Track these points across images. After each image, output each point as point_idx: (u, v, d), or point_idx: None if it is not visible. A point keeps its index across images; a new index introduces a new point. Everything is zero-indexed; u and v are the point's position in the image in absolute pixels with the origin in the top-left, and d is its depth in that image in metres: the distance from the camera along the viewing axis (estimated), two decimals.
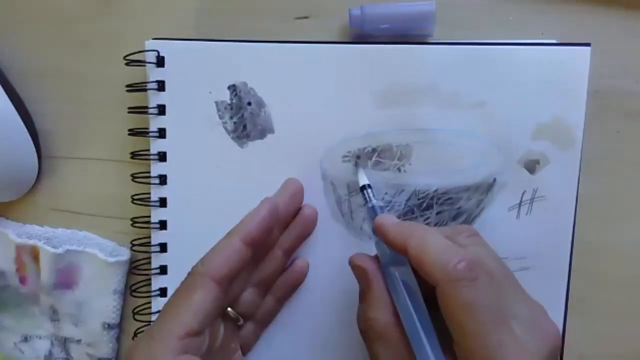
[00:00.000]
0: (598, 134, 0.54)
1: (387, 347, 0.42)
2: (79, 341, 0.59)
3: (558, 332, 0.42)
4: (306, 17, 0.56)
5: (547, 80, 0.52)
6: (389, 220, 0.46)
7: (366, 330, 0.44)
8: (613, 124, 0.55)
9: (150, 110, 0.54)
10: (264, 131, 0.54)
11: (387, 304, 0.44)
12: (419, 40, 0.54)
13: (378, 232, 0.46)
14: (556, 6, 0.54)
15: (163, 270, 0.56)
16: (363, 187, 0.51)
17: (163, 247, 0.56)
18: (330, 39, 0.55)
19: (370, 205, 0.49)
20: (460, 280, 0.39)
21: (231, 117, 0.54)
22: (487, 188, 0.53)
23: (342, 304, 0.55)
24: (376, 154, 0.53)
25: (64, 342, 0.60)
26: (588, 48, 0.51)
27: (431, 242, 0.42)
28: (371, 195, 0.50)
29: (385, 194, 0.53)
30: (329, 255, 0.55)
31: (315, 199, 0.54)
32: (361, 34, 0.54)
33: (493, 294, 0.40)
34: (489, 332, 0.38)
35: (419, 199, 0.53)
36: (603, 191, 0.55)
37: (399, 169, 0.53)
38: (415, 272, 0.43)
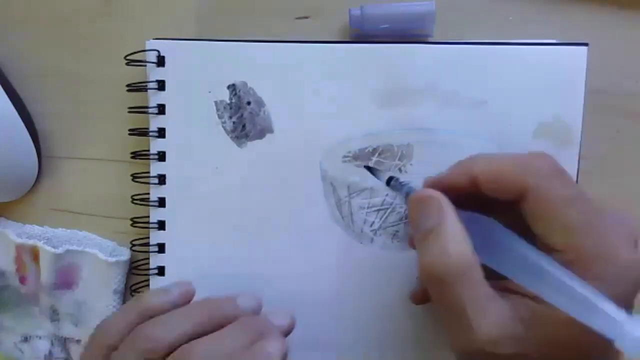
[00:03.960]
0: (598, 134, 0.54)
1: (470, 286, 0.38)
2: (78, 341, 0.60)
3: (635, 219, 0.40)
4: (306, 17, 0.56)
5: (546, 80, 0.52)
6: (435, 175, 0.44)
7: (443, 271, 0.38)
8: (613, 124, 0.55)
9: (150, 110, 0.54)
10: (263, 131, 0.54)
11: (465, 238, 0.39)
12: (419, 40, 0.54)
13: (430, 187, 0.42)
14: (556, 6, 0.54)
15: (161, 271, 0.56)
16: (391, 178, 0.50)
17: (161, 248, 0.56)
18: (330, 39, 0.55)
19: (410, 185, 0.47)
20: (551, 174, 0.38)
21: (230, 117, 0.54)
22: None
23: (340, 307, 0.55)
24: (377, 154, 0.53)
25: (64, 342, 0.60)
26: (585, 48, 0.51)
27: (501, 157, 0.41)
28: (402, 180, 0.49)
29: (387, 195, 0.53)
30: (328, 258, 0.55)
31: (315, 201, 0.54)
32: (361, 34, 0.54)
33: (579, 188, 0.39)
34: (593, 223, 0.37)
35: None
36: (603, 191, 0.55)
37: (400, 169, 0.53)
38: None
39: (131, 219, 0.56)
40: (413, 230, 0.43)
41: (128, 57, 0.54)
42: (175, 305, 0.49)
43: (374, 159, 0.53)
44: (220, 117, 0.54)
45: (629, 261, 0.36)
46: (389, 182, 0.50)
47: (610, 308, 0.33)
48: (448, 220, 0.40)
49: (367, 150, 0.53)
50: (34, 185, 0.59)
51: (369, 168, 0.53)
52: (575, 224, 0.37)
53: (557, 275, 0.35)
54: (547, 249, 0.38)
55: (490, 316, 0.37)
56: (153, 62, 0.54)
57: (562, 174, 0.39)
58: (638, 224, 0.40)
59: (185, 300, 0.51)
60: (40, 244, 0.57)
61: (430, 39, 0.54)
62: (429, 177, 0.44)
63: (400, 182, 0.49)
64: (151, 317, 0.48)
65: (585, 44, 0.51)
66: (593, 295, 0.34)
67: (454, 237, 0.39)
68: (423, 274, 0.40)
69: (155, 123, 0.55)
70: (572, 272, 0.35)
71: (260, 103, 0.54)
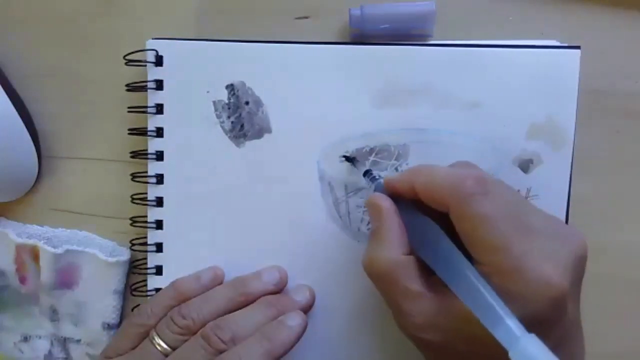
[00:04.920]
0: (598, 134, 0.54)
1: (398, 282, 0.42)
2: (78, 341, 0.60)
3: (582, 238, 0.42)
4: (306, 17, 0.56)
5: (539, 82, 0.52)
6: (394, 175, 0.47)
7: (375, 271, 0.44)
8: (613, 124, 0.55)
9: (149, 110, 0.54)
10: (261, 131, 0.54)
11: (399, 244, 0.43)
12: (419, 40, 0.54)
13: (388, 188, 0.46)
14: (556, 6, 0.54)
15: (159, 270, 0.56)
16: (367, 171, 0.51)
17: (159, 247, 0.56)
18: (330, 39, 0.55)
19: (380, 181, 0.49)
20: (473, 195, 0.40)
21: (229, 117, 0.54)
22: None
23: (338, 306, 0.55)
24: (374, 153, 0.53)
25: (64, 342, 0.60)
26: (578, 51, 0.51)
27: (436, 171, 0.43)
28: (376, 174, 0.50)
29: None
30: (326, 257, 0.55)
31: (312, 200, 0.54)
32: (361, 34, 0.54)
33: (508, 206, 0.40)
34: (510, 242, 0.38)
35: None
36: (603, 191, 0.55)
37: (396, 169, 0.53)
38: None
39: (130, 219, 0.57)
40: None
41: (127, 57, 0.54)
42: (207, 289, 0.53)
43: (371, 158, 0.53)
44: (218, 116, 0.54)
45: (544, 280, 0.38)
46: (365, 174, 0.51)
47: (512, 322, 0.35)
48: (386, 226, 0.44)
49: (364, 150, 0.53)
50: (34, 185, 0.59)
51: (349, 159, 0.53)
52: (488, 243, 0.39)
53: (473, 282, 0.37)
54: (472, 259, 0.40)
55: (416, 307, 0.42)
56: (151, 62, 0.54)
57: (484, 192, 0.40)
58: (578, 242, 0.41)
59: (215, 283, 0.54)
60: (40, 244, 0.57)
61: (430, 39, 0.54)
62: (389, 176, 0.48)
63: (373, 177, 0.50)
64: (184, 301, 0.52)
65: (578, 47, 0.51)
66: (499, 307, 0.35)
67: (387, 242, 0.44)
68: (364, 269, 0.45)
69: (153, 122, 0.55)
70: (489, 282, 0.37)
71: (258, 103, 0.54)
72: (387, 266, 0.43)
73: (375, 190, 0.48)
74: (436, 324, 0.41)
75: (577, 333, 0.43)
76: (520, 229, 0.39)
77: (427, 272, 0.42)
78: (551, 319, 0.38)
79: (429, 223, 0.43)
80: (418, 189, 0.43)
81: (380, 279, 0.44)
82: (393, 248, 0.43)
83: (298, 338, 0.49)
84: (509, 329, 0.34)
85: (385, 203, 0.45)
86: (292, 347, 0.49)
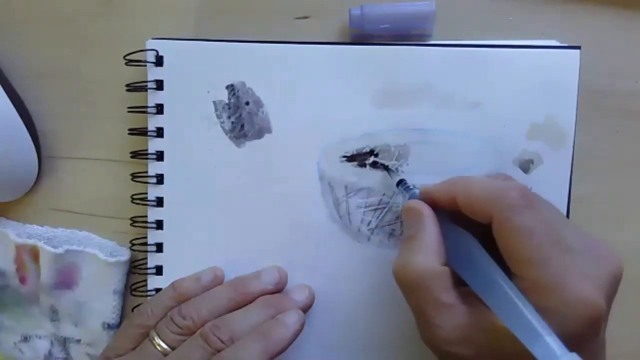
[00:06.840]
0: (598, 134, 0.54)
1: (431, 292, 0.41)
2: (78, 341, 0.60)
3: (618, 259, 0.41)
4: (306, 17, 0.56)
5: (539, 82, 0.52)
6: (431, 185, 0.46)
7: (408, 277, 0.42)
8: (613, 124, 0.55)
9: (149, 110, 0.54)
10: (261, 131, 0.54)
11: (437, 252, 0.43)
12: (419, 40, 0.54)
13: (424, 199, 0.46)
14: (556, 6, 0.54)
15: (159, 270, 0.56)
16: (401, 181, 0.51)
17: (159, 247, 0.56)
18: (330, 39, 0.55)
19: (414, 191, 0.49)
20: (516, 207, 0.39)
21: (229, 117, 0.54)
22: None
23: (338, 306, 0.55)
24: (374, 154, 0.53)
25: (64, 342, 0.60)
26: (578, 51, 0.51)
27: (478, 182, 0.43)
28: (411, 184, 0.50)
29: (383, 194, 0.53)
30: (326, 257, 0.55)
31: (313, 200, 0.54)
32: (361, 34, 0.54)
33: (550, 220, 0.40)
34: (550, 257, 0.38)
35: None
36: (603, 191, 0.55)
37: (396, 169, 0.53)
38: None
39: (130, 219, 0.57)
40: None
41: (127, 57, 0.54)
42: (206, 289, 0.53)
43: (371, 159, 0.53)
44: (218, 117, 0.54)
45: (583, 299, 0.37)
46: (398, 184, 0.51)
47: (552, 340, 0.34)
48: (424, 232, 0.44)
49: (364, 151, 0.53)
50: (34, 185, 0.59)
51: (386, 167, 0.53)
52: (529, 256, 0.38)
53: (511, 299, 0.37)
54: (510, 273, 0.39)
55: (448, 320, 0.40)
56: (151, 62, 0.54)
57: (528, 205, 0.40)
58: (615, 262, 0.40)
59: (215, 284, 0.54)
60: (40, 244, 0.57)
61: (430, 39, 0.54)
62: (425, 186, 0.47)
63: (407, 187, 0.50)
64: (184, 301, 0.52)
65: (578, 47, 0.51)
66: (539, 324, 0.35)
67: (425, 249, 0.43)
68: (394, 276, 0.44)
69: (153, 122, 0.55)
70: (527, 298, 0.37)
71: (258, 103, 0.54)
72: (421, 274, 0.41)
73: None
74: (467, 338, 0.40)
75: (603, 353, 0.42)
76: (561, 245, 0.39)
77: (458, 284, 0.42)
78: (585, 339, 0.38)
79: (465, 234, 0.42)
80: (460, 198, 0.43)
81: (412, 287, 0.42)
82: (431, 256, 0.42)
83: (295, 336, 0.49)
84: (549, 347, 0.33)
85: (426, 210, 0.45)
86: (289, 344, 0.49)
